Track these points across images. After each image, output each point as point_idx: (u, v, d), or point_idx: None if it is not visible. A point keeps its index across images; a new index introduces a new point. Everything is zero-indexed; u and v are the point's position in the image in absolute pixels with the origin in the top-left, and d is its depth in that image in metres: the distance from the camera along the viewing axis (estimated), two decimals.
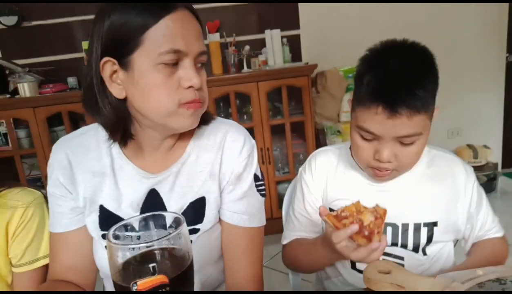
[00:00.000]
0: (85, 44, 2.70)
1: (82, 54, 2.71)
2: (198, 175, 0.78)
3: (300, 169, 1.02)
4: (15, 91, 2.43)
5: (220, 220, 0.81)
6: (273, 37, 2.53)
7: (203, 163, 0.79)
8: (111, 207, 0.77)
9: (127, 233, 0.51)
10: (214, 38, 2.59)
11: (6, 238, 0.86)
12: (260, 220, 0.82)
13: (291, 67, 2.48)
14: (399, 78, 0.77)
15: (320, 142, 2.62)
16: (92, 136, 0.80)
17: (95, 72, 0.69)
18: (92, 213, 0.78)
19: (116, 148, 0.78)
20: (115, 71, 0.68)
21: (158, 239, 0.45)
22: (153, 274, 0.44)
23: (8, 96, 2.42)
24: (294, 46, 2.75)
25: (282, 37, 2.59)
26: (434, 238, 0.88)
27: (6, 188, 0.89)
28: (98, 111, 0.71)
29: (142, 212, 0.77)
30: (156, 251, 0.46)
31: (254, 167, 0.81)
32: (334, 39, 2.86)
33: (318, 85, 2.65)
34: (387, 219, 0.84)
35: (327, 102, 2.62)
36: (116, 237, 0.48)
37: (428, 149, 0.92)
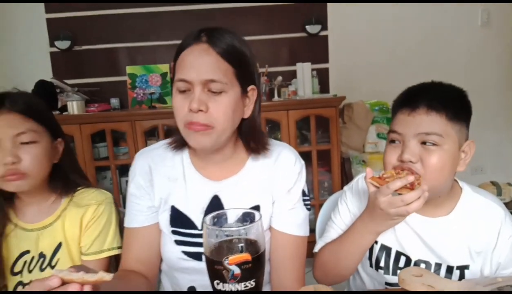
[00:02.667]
0: (128, 69, 2.93)
1: (125, 78, 2.94)
2: (254, 187, 0.90)
3: (345, 187, 1.08)
4: (64, 108, 2.65)
5: (270, 227, 0.92)
6: (304, 69, 2.69)
7: (259, 176, 0.92)
8: (181, 207, 0.91)
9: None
10: None
11: (80, 229, 0.99)
12: (305, 231, 0.94)
13: (320, 98, 2.62)
14: (424, 86, 0.90)
15: (345, 171, 2.70)
16: (166, 149, 0.94)
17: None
18: (165, 212, 0.91)
19: (186, 158, 0.93)
20: None
21: (245, 227, 0.58)
22: (241, 252, 0.56)
23: (57, 112, 2.63)
24: (322, 78, 2.90)
25: (312, 69, 2.75)
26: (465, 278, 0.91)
27: (83, 188, 1.03)
28: None
29: (205, 215, 0.90)
30: (241, 237, 0.58)
31: (302, 184, 0.94)
32: (361, 74, 3.00)
33: (345, 116, 2.77)
34: (422, 256, 0.93)
35: (353, 132, 2.73)
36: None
37: (470, 191, 0.95)
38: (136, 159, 0.97)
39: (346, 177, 2.63)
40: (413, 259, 0.94)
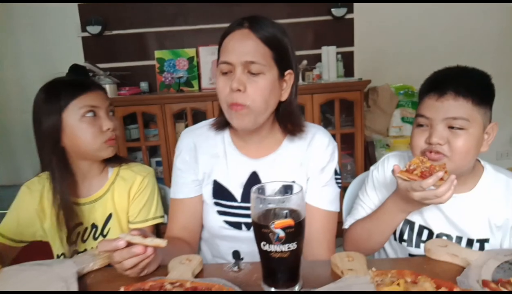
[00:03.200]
0: (157, 53, 3.02)
1: (154, 62, 3.03)
2: (290, 164, 0.98)
3: (372, 167, 1.13)
4: None
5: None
6: (329, 53, 2.71)
7: (295, 155, 1.00)
8: (222, 182, 1.01)
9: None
10: None
11: (128, 200, 1.10)
12: (336, 207, 1.01)
13: (345, 82, 2.64)
14: (450, 71, 0.94)
15: (369, 154, 2.74)
16: (209, 129, 1.04)
17: None
18: (208, 185, 1.00)
19: (227, 137, 1.02)
20: None
21: (289, 196, 0.66)
22: (285, 218, 0.63)
23: None
24: (347, 62, 2.91)
25: (337, 53, 2.76)
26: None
27: (128, 163, 1.14)
28: None
29: (244, 189, 0.99)
30: (286, 205, 0.65)
31: (335, 163, 1.01)
32: (386, 57, 2.99)
33: (370, 100, 2.79)
34: (444, 230, 0.98)
35: (377, 116, 2.75)
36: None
37: (491, 170, 1.00)
38: (182, 137, 1.06)
39: (370, 161, 2.67)
40: (435, 232, 1.00)
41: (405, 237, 1.04)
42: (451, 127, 0.89)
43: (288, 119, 0.98)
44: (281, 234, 0.64)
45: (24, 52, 3.44)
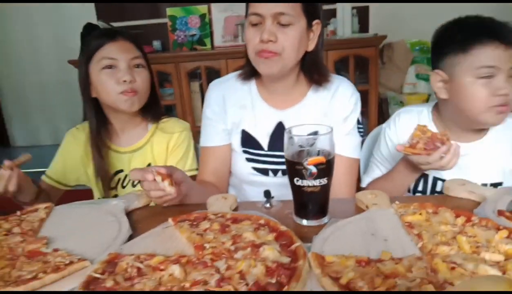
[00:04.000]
0: (169, 11, 2.99)
1: (166, 20, 3.01)
2: (314, 114, 1.02)
3: (384, 125, 1.17)
4: None
5: None
6: (344, 8, 2.67)
7: (319, 105, 1.04)
8: (250, 131, 1.07)
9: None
10: None
11: (166, 152, 1.17)
12: (358, 153, 1.07)
13: (360, 38, 2.62)
14: (494, 21, 0.94)
15: (383, 111, 2.76)
16: (237, 80, 1.08)
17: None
18: (237, 134, 1.07)
19: (254, 88, 1.07)
20: None
21: (321, 135, 0.70)
22: (317, 155, 0.69)
23: None
24: (362, 17, 2.87)
25: (352, 8, 2.72)
26: None
27: (166, 117, 1.20)
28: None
29: (270, 138, 1.05)
30: (317, 144, 0.71)
31: (357, 113, 1.05)
32: (401, 13, 2.93)
33: (384, 56, 2.77)
34: (458, 176, 0.98)
35: (392, 73, 2.75)
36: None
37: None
38: (211, 89, 1.11)
39: (383, 118, 2.70)
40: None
41: (420, 188, 1.09)
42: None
43: (314, 69, 1.01)
44: (314, 170, 0.70)
45: (35, 14, 3.43)
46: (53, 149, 1.26)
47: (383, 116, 2.73)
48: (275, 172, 1.05)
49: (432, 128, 1.05)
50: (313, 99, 1.05)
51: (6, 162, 0.95)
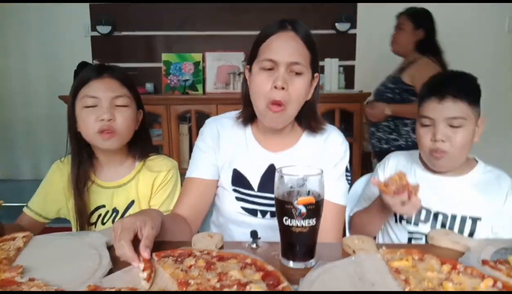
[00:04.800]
0: (164, 56, 3.10)
1: (161, 64, 3.10)
2: (306, 159, 1.05)
3: (377, 165, 1.29)
4: None
5: None
6: (332, 64, 2.82)
7: (311, 150, 1.07)
8: (242, 170, 1.07)
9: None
10: None
11: (151, 190, 1.15)
12: (345, 201, 1.09)
13: (346, 93, 2.74)
14: (447, 77, 1.11)
15: (366, 165, 2.82)
16: (233, 120, 1.11)
17: (243, 73, 1.06)
18: (228, 172, 1.07)
19: (249, 130, 1.10)
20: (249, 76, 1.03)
21: (311, 176, 0.72)
22: (308, 195, 0.70)
23: None
24: (348, 74, 3.02)
25: (339, 65, 2.87)
26: (476, 233, 1.08)
27: (154, 154, 1.20)
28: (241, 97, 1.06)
29: (261, 179, 1.06)
30: (308, 185, 0.72)
31: (346, 161, 1.09)
32: (386, 72, 3.09)
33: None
34: (440, 209, 1.12)
35: None
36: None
37: (484, 165, 1.15)
38: (207, 123, 1.13)
39: (367, 170, 2.75)
40: (433, 211, 1.12)
41: (404, 216, 1.16)
42: (451, 126, 1.05)
43: (311, 118, 1.06)
44: (303, 210, 0.70)
45: (31, 49, 3.48)
46: (32, 184, 1.23)
47: (366, 168, 2.78)
48: (263, 213, 1.04)
49: (419, 166, 1.19)
50: (306, 144, 1.08)
51: None
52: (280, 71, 0.94)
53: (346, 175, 1.09)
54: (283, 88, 0.94)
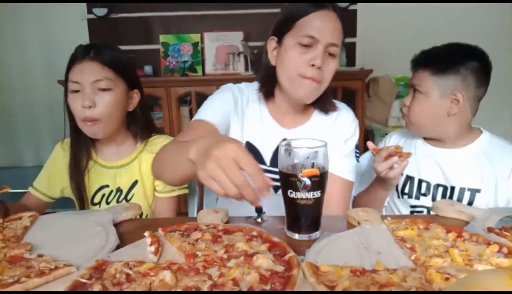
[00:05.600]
0: (162, 38, 3.05)
1: (159, 46, 3.06)
2: (317, 135, 1.03)
3: (379, 143, 1.29)
4: None
5: None
6: None
7: (322, 128, 1.07)
8: (255, 143, 1.07)
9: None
10: None
11: None
12: (353, 177, 1.09)
13: (347, 71, 2.71)
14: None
15: (364, 143, 2.82)
16: (252, 91, 1.10)
17: (264, 45, 1.03)
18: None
19: (264, 105, 1.09)
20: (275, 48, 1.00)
21: (315, 149, 0.72)
22: (312, 167, 0.70)
23: None
24: (350, 52, 2.98)
25: None
26: (474, 205, 1.07)
27: (156, 134, 1.19)
28: (259, 70, 1.05)
29: (273, 154, 1.05)
30: (313, 157, 0.71)
31: (356, 138, 1.10)
32: (387, 49, 3.06)
33: (370, 90, 2.86)
34: (439, 181, 1.13)
35: (377, 106, 2.83)
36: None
37: (489, 136, 1.14)
38: (230, 87, 1.10)
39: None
40: (432, 184, 1.13)
41: (406, 190, 1.17)
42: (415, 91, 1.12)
43: (327, 99, 1.06)
44: (308, 182, 0.70)
45: (28, 35, 3.43)
46: (35, 171, 1.22)
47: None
48: (275, 189, 1.04)
49: (420, 140, 1.20)
50: (317, 121, 1.08)
51: None
52: (318, 50, 0.93)
53: (356, 152, 1.10)
54: (319, 68, 0.93)
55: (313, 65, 0.93)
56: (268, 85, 1.05)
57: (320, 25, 0.93)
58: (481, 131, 1.15)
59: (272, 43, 1.02)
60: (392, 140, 1.26)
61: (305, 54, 0.94)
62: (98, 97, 1.06)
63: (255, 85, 1.10)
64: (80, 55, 1.06)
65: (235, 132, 1.06)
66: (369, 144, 1.07)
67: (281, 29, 0.98)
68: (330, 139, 1.04)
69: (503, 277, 0.31)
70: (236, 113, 1.06)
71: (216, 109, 1.02)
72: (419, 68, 1.10)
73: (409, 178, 1.17)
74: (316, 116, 1.09)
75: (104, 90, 1.06)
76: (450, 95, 1.07)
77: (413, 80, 1.12)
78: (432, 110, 1.09)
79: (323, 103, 1.06)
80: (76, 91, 1.05)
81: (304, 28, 0.93)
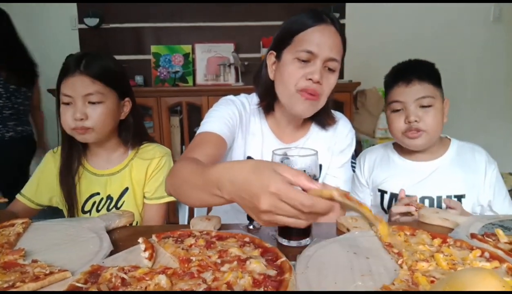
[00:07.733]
0: (153, 48, 3.07)
1: (150, 57, 3.08)
2: (317, 148, 1.05)
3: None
4: None
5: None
6: None
7: (320, 141, 1.09)
8: (255, 158, 1.07)
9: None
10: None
11: (145, 177, 1.16)
12: (348, 187, 1.12)
13: (336, 83, 2.76)
14: (410, 64, 1.15)
15: (356, 154, 2.86)
16: (252, 105, 1.10)
17: (265, 59, 1.03)
18: (241, 159, 1.07)
19: (264, 120, 1.09)
20: (274, 62, 1.01)
21: (307, 156, 0.74)
22: None
23: None
24: None
25: None
26: None
27: (147, 142, 1.20)
28: (258, 84, 1.04)
29: None
30: (303, 165, 0.74)
31: (352, 148, 1.13)
32: (374, 62, 3.12)
33: (358, 102, 2.92)
34: (425, 194, 1.15)
35: (365, 118, 2.88)
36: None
37: (457, 142, 1.20)
38: (233, 99, 1.08)
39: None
40: (418, 197, 1.14)
41: (385, 206, 1.19)
42: (421, 106, 1.09)
43: (326, 113, 1.08)
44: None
45: None
46: (26, 181, 1.22)
47: (356, 157, 2.83)
48: None
49: (395, 154, 1.23)
50: (316, 135, 1.10)
51: None
52: (317, 65, 0.92)
53: (352, 163, 1.13)
54: (318, 82, 0.93)
55: (310, 79, 0.93)
56: (268, 99, 1.05)
57: (319, 39, 0.92)
58: (449, 139, 1.21)
59: (271, 58, 1.02)
60: (367, 158, 1.27)
61: (303, 69, 0.94)
62: (90, 109, 1.07)
63: (255, 98, 1.10)
64: (71, 67, 1.06)
65: (239, 147, 1.07)
66: (402, 193, 1.08)
67: (280, 43, 0.98)
68: (328, 150, 1.07)
69: (485, 274, 0.34)
70: (241, 128, 1.06)
71: (224, 122, 1.01)
72: (423, 80, 1.10)
73: (394, 196, 1.18)
74: (314, 128, 1.11)
75: (95, 103, 1.07)
76: (442, 103, 1.14)
77: (418, 93, 1.09)
78: (441, 120, 1.13)
79: (322, 117, 1.07)
80: (68, 104, 1.07)
81: (302, 43, 0.93)
